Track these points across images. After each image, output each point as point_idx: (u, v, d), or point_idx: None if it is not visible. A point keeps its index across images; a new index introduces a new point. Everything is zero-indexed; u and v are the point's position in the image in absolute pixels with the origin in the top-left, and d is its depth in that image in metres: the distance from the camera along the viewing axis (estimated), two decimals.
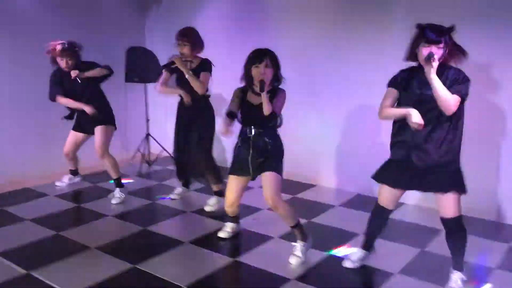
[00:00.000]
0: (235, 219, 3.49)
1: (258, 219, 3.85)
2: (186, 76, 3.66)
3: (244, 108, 3.07)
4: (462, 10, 3.63)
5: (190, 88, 3.76)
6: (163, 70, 3.90)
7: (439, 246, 3.29)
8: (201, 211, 4.04)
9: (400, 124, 2.63)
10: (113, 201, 4.26)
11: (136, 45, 5.36)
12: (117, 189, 4.34)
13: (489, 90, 3.63)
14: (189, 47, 3.74)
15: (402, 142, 2.63)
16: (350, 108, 4.43)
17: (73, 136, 4.39)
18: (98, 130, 4.20)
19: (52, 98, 4.18)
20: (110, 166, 4.28)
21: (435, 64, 2.38)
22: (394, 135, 2.72)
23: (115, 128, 4.36)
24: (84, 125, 4.29)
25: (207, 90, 3.86)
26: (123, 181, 4.45)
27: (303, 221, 3.70)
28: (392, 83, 2.66)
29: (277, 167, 3.05)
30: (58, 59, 4.04)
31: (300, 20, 4.56)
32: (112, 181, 4.38)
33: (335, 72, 4.43)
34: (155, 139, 5.56)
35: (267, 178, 3.02)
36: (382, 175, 2.77)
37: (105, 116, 4.24)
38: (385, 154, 4.20)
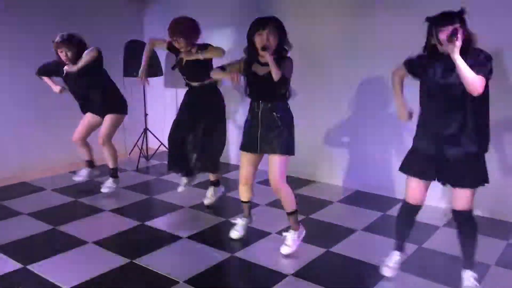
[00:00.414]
0: (247, 207, 3.35)
1: (255, 214, 3.83)
2: (200, 57, 3.52)
3: (250, 80, 2.99)
4: None
5: (196, 78, 3.70)
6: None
7: (437, 242, 3.30)
8: (199, 206, 4.03)
9: (427, 116, 2.56)
10: (103, 190, 4.28)
11: (135, 39, 5.33)
12: (111, 179, 4.34)
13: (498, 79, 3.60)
14: (184, 40, 3.62)
15: (431, 133, 2.53)
16: (350, 104, 4.42)
17: (87, 118, 4.22)
18: (107, 118, 4.15)
19: (37, 73, 4.15)
20: (109, 154, 4.25)
21: (459, 43, 2.27)
22: (421, 126, 2.62)
23: (126, 114, 4.28)
24: (93, 107, 4.18)
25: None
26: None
27: (301, 217, 3.71)
28: (407, 65, 2.61)
29: (286, 146, 2.99)
30: (58, 51, 3.96)
31: (305, 14, 4.52)
32: None
33: (335, 68, 4.41)
34: (153, 134, 5.54)
35: (273, 161, 3.00)
36: (409, 167, 2.64)
37: (112, 104, 4.17)
38: (386, 151, 4.21)
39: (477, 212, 3.73)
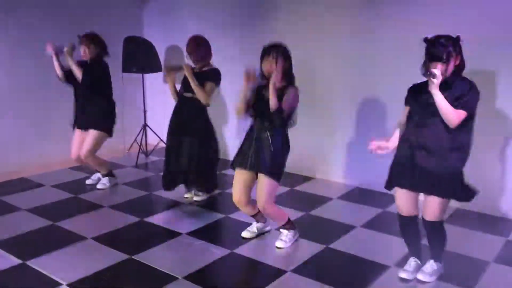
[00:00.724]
0: (260, 216, 3.29)
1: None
2: (192, 85, 3.64)
3: (257, 101, 3.03)
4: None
5: (191, 89, 3.72)
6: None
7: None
8: (198, 203, 4.02)
9: (407, 127, 2.64)
10: (98, 186, 4.35)
11: (134, 35, 5.31)
12: (108, 178, 4.42)
13: (486, 85, 3.61)
14: (198, 59, 3.74)
15: (406, 140, 2.61)
16: (350, 102, 4.41)
17: (77, 135, 4.25)
18: (90, 133, 4.16)
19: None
20: (96, 165, 4.35)
21: (436, 80, 2.37)
22: (401, 137, 2.70)
23: (110, 136, 4.28)
24: (80, 121, 4.22)
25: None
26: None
27: (301, 213, 3.72)
28: (405, 102, 2.71)
29: (273, 170, 2.99)
30: (81, 46, 4.07)
31: (306, 16, 4.50)
32: None
33: (336, 65, 4.40)
34: (152, 130, 5.53)
35: (261, 183, 3.02)
36: (391, 180, 2.71)
37: (101, 120, 4.18)
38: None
39: (475, 209, 3.76)
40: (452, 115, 2.41)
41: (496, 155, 3.70)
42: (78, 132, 4.25)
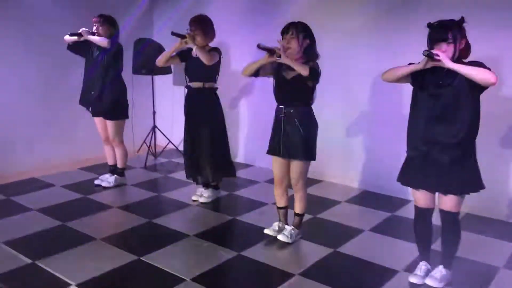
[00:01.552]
0: (283, 213, 3.35)
1: (264, 213, 3.84)
2: (194, 49, 3.61)
3: (278, 83, 3.10)
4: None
5: (198, 76, 3.76)
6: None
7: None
8: (206, 204, 4.03)
9: (416, 119, 2.58)
10: (103, 184, 4.42)
11: (144, 37, 5.35)
12: (116, 176, 4.48)
13: (499, 85, 3.57)
14: (201, 34, 3.72)
15: (418, 137, 2.56)
16: (358, 104, 4.40)
17: (98, 122, 4.39)
18: (109, 124, 4.31)
19: (68, 48, 4.24)
20: (119, 154, 4.45)
21: (442, 54, 2.31)
22: (409, 129, 2.64)
23: (127, 118, 4.41)
24: (96, 108, 4.30)
25: (215, 80, 3.87)
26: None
27: (308, 216, 3.70)
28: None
29: (305, 152, 3.07)
30: (93, 25, 4.17)
31: (317, 13, 4.49)
32: None
33: (344, 68, 4.38)
34: (161, 132, 5.56)
35: (293, 166, 3.15)
36: (405, 177, 2.68)
37: (117, 110, 4.28)
38: (393, 150, 4.16)
39: (485, 214, 3.73)
40: (482, 72, 2.28)
41: (506, 160, 3.66)
42: (97, 119, 4.37)
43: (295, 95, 3.04)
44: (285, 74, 3.07)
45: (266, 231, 3.33)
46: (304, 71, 2.87)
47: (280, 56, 2.91)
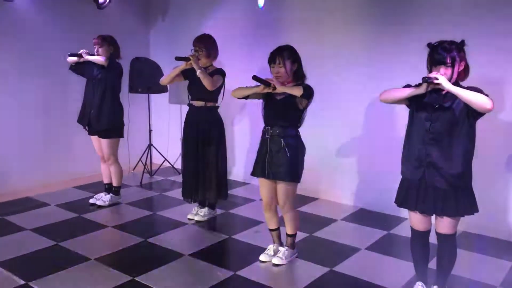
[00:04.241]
0: (276, 235, 3.33)
1: (259, 232, 3.82)
2: (197, 72, 3.63)
3: (268, 104, 3.12)
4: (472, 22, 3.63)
5: (201, 95, 3.79)
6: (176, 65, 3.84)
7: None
8: (202, 223, 4.01)
9: (411, 140, 2.58)
10: (98, 202, 4.41)
11: (140, 55, 5.39)
12: (111, 195, 4.47)
13: (498, 104, 3.60)
14: (205, 53, 3.78)
15: (414, 159, 2.56)
16: (354, 122, 4.42)
17: (94, 140, 4.41)
18: (103, 142, 4.32)
19: (70, 68, 4.30)
20: (114, 173, 4.44)
21: (441, 77, 2.32)
22: (405, 151, 2.65)
23: (121, 137, 4.42)
24: (93, 126, 4.31)
25: (217, 99, 3.90)
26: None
27: (304, 234, 3.69)
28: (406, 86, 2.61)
29: (290, 173, 3.05)
30: (94, 46, 4.20)
31: (315, 25, 4.56)
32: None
33: (342, 84, 4.41)
34: (157, 150, 5.56)
35: (279, 188, 3.12)
36: (401, 198, 2.67)
37: (113, 130, 4.30)
38: (389, 169, 4.17)
39: (481, 232, 3.72)
40: (480, 98, 2.28)
41: (500, 177, 3.68)
42: (94, 138, 4.39)
43: (284, 116, 3.05)
44: (275, 95, 3.10)
45: (261, 257, 3.26)
46: (298, 92, 2.92)
47: (275, 88, 2.97)
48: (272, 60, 3.03)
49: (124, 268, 3.13)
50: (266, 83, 2.99)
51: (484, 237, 3.73)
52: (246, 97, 3.17)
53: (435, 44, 2.46)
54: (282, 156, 3.03)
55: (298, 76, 3.08)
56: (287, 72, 3.02)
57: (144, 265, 3.18)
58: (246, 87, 3.14)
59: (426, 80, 2.35)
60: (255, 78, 2.98)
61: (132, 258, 3.36)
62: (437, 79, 2.33)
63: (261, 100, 3.20)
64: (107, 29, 4.63)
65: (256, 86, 3.06)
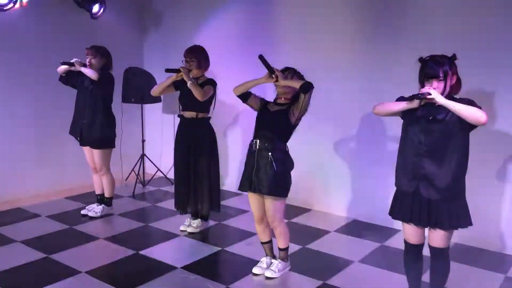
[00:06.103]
0: (268, 248, 3.31)
1: (251, 244, 3.80)
2: (188, 84, 3.64)
3: (261, 115, 3.11)
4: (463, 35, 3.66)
5: (192, 106, 3.78)
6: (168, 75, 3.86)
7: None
8: (195, 235, 3.98)
9: (405, 153, 2.58)
10: (90, 213, 4.39)
11: (134, 65, 5.38)
12: (103, 206, 4.44)
13: (489, 116, 3.63)
14: (196, 64, 3.78)
15: (408, 171, 2.56)
16: (348, 133, 4.43)
17: (87, 150, 4.38)
18: (95, 153, 4.30)
19: (59, 79, 4.30)
20: (106, 184, 4.41)
21: (434, 92, 2.33)
22: (398, 162, 2.65)
23: (113, 147, 4.39)
24: (84, 137, 4.29)
25: (209, 110, 3.89)
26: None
27: (297, 247, 3.68)
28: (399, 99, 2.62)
29: (277, 188, 3.02)
30: (86, 57, 4.18)
31: (307, 36, 4.57)
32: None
33: (334, 95, 4.42)
34: (150, 160, 5.53)
35: (267, 202, 3.09)
36: (395, 210, 2.67)
37: (105, 141, 4.27)
38: (382, 180, 4.18)
39: (473, 244, 3.73)
40: (474, 111, 2.30)
41: (492, 190, 3.69)
42: (85, 149, 4.36)
43: (274, 129, 3.02)
44: (269, 107, 3.10)
45: (254, 270, 3.24)
46: (297, 84, 2.92)
47: (277, 79, 2.94)
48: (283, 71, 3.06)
49: (115, 281, 3.09)
50: (270, 69, 2.94)
51: (476, 249, 3.73)
52: (246, 97, 3.13)
53: (427, 58, 2.47)
54: (269, 170, 2.99)
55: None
56: (295, 89, 3.01)
57: (136, 278, 3.15)
58: (251, 80, 3.11)
59: (419, 97, 2.37)
60: (261, 58, 2.90)
61: (124, 271, 3.32)
62: (430, 94, 2.34)
63: (255, 112, 3.18)
64: (101, 39, 4.64)
65: (260, 78, 3.03)
